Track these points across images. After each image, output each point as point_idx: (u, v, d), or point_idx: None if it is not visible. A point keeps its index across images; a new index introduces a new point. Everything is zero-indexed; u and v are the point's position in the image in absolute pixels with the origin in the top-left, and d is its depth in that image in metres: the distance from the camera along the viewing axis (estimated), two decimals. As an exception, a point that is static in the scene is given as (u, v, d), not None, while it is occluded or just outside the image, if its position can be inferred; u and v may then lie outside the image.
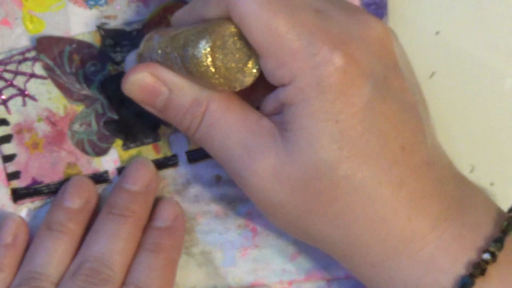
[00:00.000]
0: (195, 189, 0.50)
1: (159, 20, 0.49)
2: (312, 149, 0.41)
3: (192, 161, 0.50)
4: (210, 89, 0.43)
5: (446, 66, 0.49)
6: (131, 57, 0.46)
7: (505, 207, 0.48)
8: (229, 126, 0.43)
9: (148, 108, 0.45)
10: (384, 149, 0.42)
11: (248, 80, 0.43)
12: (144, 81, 0.44)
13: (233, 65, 0.42)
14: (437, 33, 0.49)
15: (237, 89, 0.43)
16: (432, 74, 0.49)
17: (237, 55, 0.42)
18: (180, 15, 0.45)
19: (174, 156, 0.50)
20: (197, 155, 0.50)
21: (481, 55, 0.49)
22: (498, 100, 0.49)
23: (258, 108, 0.45)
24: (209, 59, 0.42)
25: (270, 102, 0.43)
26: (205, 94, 0.43)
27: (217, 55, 0.42)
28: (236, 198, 0.50)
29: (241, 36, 0.42)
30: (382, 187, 0.42)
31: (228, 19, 0.42)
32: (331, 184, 0.42)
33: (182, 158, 0.50)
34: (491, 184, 0.49)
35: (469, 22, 0.49)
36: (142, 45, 0.45)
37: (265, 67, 0.42)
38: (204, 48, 0.42)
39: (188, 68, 0.43)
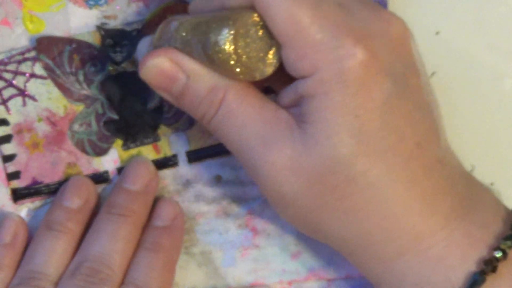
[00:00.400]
0: (195, 189, 0.50)
1: (159, 20, 0.49)
2: (330, 142, 0.41)
3: (192, 161, 0.50)
4: (230, 77, 0.43)
5: (446, 66, 0.49)
6: (145, 43, 0.46)
7: (505, 207, 0.48)
8: (245, 116, 0.43)
9: (164, 95, 0.45)
10: (400, 145, 0.42)
11: (269, 70, 0.43)
12: (162, 66, 0.43)
13: (255, 54, 0.42)
14: (437, 33, 0.49)
15: (257, 79, 0.43)
16: (432, 74, 0.49)
17: (259, 45, 0.42)
18: (200, 2, 0.45)
19: (174, 156, 0.50)
20: (197, 155, 0.50)
21: (481, 55, 0.49)
22: (498, 100, 0.49)
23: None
24: (232, 47, 0.42)
25: (288, 94, 0.43)
26: (223, 83, 0.43)
27: (239, 43, 0.42)
28: (236, 198, 0.50)
29: (263, 26, 0.42)
30: (396, 184, 0.42)
31: (251, 8, 0.42)
32: (347, 179, 0.42)
33: (182, 158, 0.50)
34: (491, 184, 0.49)
35: (469, 22, 0.49)
36: (158, 31, 0.45)
37: (286, 58, 0.42)
38: (226, 36, 0.42)
39: (209, 55, 0.42)
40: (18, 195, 0.50)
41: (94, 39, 0.50)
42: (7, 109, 0.50)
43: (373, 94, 0.41)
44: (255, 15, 0.42)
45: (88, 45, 0.49)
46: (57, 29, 0.49)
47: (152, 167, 0.49)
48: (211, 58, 0.42)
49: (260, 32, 0.42)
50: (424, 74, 0.44)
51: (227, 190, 0.50)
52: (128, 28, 0.49)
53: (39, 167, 0.50)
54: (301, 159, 0.42)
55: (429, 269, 0.42)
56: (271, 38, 0.42)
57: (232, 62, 0.42)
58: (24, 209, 0.50)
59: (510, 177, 0.49)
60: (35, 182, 0.50)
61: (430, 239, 0.42)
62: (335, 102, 0.41)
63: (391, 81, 0.41)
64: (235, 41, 0.42)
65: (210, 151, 0.50)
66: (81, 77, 0.50)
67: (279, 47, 0.42)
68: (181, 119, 0.50)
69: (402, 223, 0.42)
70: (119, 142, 0.50)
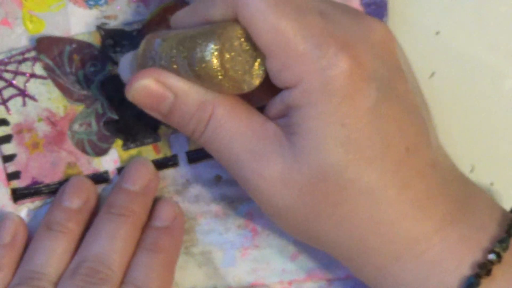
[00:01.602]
0: (195, 189, 0.50)
1: (159, 20, 0.49)
2: (319, 152, 0.41)
3: (192, 161, 0.50)
4: (218, 92, 0.43)
5: (446, 66, 0.49)
6: (127, 58, 0.46)
7: (505, 207, 0.48)
8: (234, 131, 0.43)
9: (153, 114, 0.45)
10: (389, 151, 0.42)
11: (255, 82, 0.43)
12: (148, 87, 0.44)
13: (240, 67, 0.42)
14: (437, 33, 0.49)
15: (245, 91, 0.43)
16: (432, 74, 0.49)
17: (244, 57, 0.42)
18: (181, 16, 0.45)
19: (174, 156, 0.50)
20: (197, 155, 0.50)
21: (481, 55, 0.49)
22: (498, 100, 0.49)
23: (262, 110, 0.45)
24: (218, 62, 0.42)
25: (275, 105, 0.43)
26: (211, 98, 0.43)
27: (225, 58, 0.42)
28: (236, 198, 0.50)
29: (247, 38, 0.42)
30: (388, 189, 0.42)
31: (235, 20, 0.42)
32: (338, 187, 0.42)
33: (182, 158, 0.50)
34: (491, 184, 0.49)
35: (469, 22, 0.49)
36: (141, 48, 0.45)
37: (271, 69, 0.42)
38: (212, 51, 0.42)
39: (196, 71, 0.42)
40: (18, 195, 0.50)
41: (94, 39, 0.49)
42: (7, 109, 0.50)
43: (359, 102, 0.41)
44: (239, 27, 0.42)
45: (88, 45, 0.49)
46: (57, 29, 0.49)
47: (152, 167, 0.49)
48: (198, 74, 0.42)
49: (245, 45, 0.42)
50: (411, 76, 0.44)
51: (227, 190, 0.50)
52: (128, 28, 0.49)
53: (39, 167, 0.50)
54: (291, 171, 0.42)
55: (425, 273, 0.42)
56: (256, 50, 0.42)
57: (219, 77, 0.42)
58: (24, 209, 0.50)
59: (510, 177, 0.49)
60: (35, 182, 0.50)
61: (424, 244, 0.42)
62: (321, 112, 0.41)
63: (376, 87, 0.41)
64: (221, 56, 0.42)
65: (210, 151, 0.50)
66: (81, 77, 0.50)
67: (264, 58, 0.42)
68: (181, 119, 0.50)
69: (396, 228, 0.42)
70: (119, 142, 0.50)
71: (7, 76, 0.50)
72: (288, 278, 0.50)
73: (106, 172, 0.50)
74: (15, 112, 0.50)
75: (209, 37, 0.42)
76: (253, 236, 0.50)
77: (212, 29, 0.42)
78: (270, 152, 0.43)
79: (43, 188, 0.50)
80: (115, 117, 0.50)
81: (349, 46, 0.41)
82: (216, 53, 0.42)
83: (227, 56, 0.42)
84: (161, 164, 0.50)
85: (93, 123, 0.50)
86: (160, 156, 0.50)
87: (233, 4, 0.42)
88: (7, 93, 0.50)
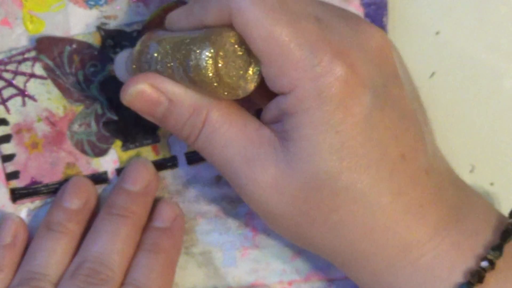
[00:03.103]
0: (195, 190, 0.50)
1: (159, 21, 0.49)
2: (312, 160, 0.41)
3: (191, 162, 0.50)
4: (213, 97, 0.43)
5: (446, 66, 0.49)
6: (121, 58, 0.46)
7: (505, 207, 0.48)
8: (229, 135, 0.43)
9: (148, 118, 0.45)
10: (383, 158, 0.42)
11: (250, 87, 0.43)
12: (143, 92, 0.44)
13: (235, 72, 0.42)
14: (437, 33, 0.49)
15: (240, 96, 0.43)
16: (432, 74, 0.49)
17: (238, 63, 0.42)
18: (176, 18, 0.45)
19: (173, 158, 0.50)
20: (197, 156, 0.50)
21: (481, 55, 0.49)
22: (498, 100, 0.49)
23: (258, 113, 0.45)
24: (213, 69, 0.42)
25: (270, 111, 0.43)
26: (205, 103, 0.43)
27: (220, 65, 0.42)
28: (236, 198, 0.50)
29: (241, 43, 0.42)
30: (381, 196, 0.42)
31: (229, 25, 0.42)
32: (331, 194, 0.42)
33: (182, 159, 0.50)
34: (491, 184, 0.49)
35: (469, 22, 0.49)
36: (136, 50, 0.45)
37: (266, 75, 0.42)
38: (207, 58, 0.42)
39: (191, 77, 0.42)
40: (17, 195, 0.50)
41: (94, 40, 0.49)
42: (7, 109, 0.50)
43: (353, 109, 0.41)
44: (233, 33, 0.42)
45: (88, 46, 0.49)
46: (57, 29, 0.49)
47: (152, 168, 0.49)
48: (193, 80, 0.42)
49: (238, 50, 0.42)
50: (408, 81, 0.44)
51: (227, 190, 0.50)
52: (128, 29, 0.49)
53: (38, 167, 0.50)
54: (285, 177, 0.42)
55: (417, 279, 0.42)
56: (250, 55, 0.42)
57: (215, 84, 0.42)
58: (24, 209, 0.50)
59: (510, 177, 0.49)
60: (34, 182, 0.50)
61: (418, 250, 0.42)
62: (315, 119, 0.41)
63: (371, 94, 0.41)
64: (215, 62, 0.42)
65: (209, 152, 0.50)
66: (81, 78, 0.50)
67: (258, 62, 0.42)
68: (181, 121, 0.50)
69: (389, 234, 0.42)
70: (118, 143, 0.50)
71: (7, 76, 0.49)
72: (288, 278, 0.50)
73: (105, 173, 0.50)
74: (15, 112, 0.50)
75: (204, 44, 0.42)
76: (253, 236, 0.50)
77: (206, 35, 0.42)
78: (264, 157, 0.43)
79: (42, 188, 0.50)
80: (115, 117, 0.50)
81: (344, 53, 0.41)
82: (210, 61, 0.42)
83: (222, 62, 0.42)
84: (160, 165, 0.50)
85: (93, 123, 0.50)
86: (159, 157, 0.50)
87: (228, 9, 0.42)
88: (6, 93, 0.50)
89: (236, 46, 0.42)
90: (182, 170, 0.50)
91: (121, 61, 0.46)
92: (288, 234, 0.45)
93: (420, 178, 0.42)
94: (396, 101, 0.42)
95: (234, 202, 0.50)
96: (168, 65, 0.43)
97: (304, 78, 0.41)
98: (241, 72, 0.42)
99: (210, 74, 0.42)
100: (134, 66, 0.45)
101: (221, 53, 0.42)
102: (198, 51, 0.42)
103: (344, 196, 0.42)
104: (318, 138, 0.41)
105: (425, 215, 0.42)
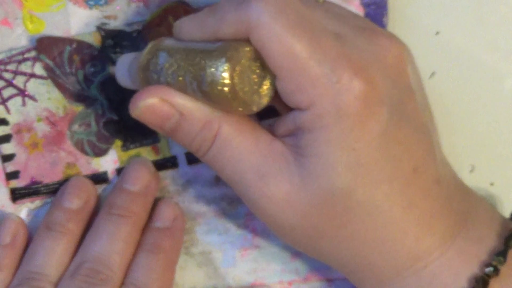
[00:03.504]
0: (195, 190, 0.50)
1: (160, 21, 0.49)
2: (328, 176, 0.41)
3: (191, 162, 0.50)
4: (226, 111, 0.43)
5: (446, 66, 0.49)
6: (124, 62, 0.46)
7: (505, 208, 0.48)
8: (240, 150, 0.43)
9: (157, 130, 0.44)
10: (397, 172, 0.42)
11: (264, 102, 0.42)
12: (154, 106, 0.43)
13: (249, 88, 0.42)
14: (437, 33, 0.49)
15: (254, 112, 0.42)
16: (432, 74, 0.49)
17: (253, 78, 0.42)
18: (187, 27, 0.44)
19: (173, 158, 0.50)
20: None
21: (481, 55, 0.49)
22: (498, 100, 0.49)
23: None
24: (229, 84, 0.41)
25: (284, 124, 0.43)
26: (217, 117, 0.43)
27: (235, 80, 0.41)
28: (236, 198, 0.50)
29: (256, 58, 0.41)
30: (394, 210, 0.42)
31: (245, 40, 0.41)
32: (345, 209, 0.42)
33: (182, 159, 0.50)
34: (491, 184, 0.49)
35: (469, 22, 0.49)
36: (144, 58, 0.44)
37: (282, 90, 0.41)
38: (223, 74, 0.41)
39: (206, 92, 0.42)
40: (17, 195, 0.50)
41: (94, 40, 0.49)
42: (7, 109, 0.50)
43: (370, 126, 0.41)
44: (249, 49, 0.41)
45: (88, 46, 0.49)
46: (57, 29, 0.49)
47: (152, 168, 0.49)
48: (207, 94, 0.42)
49: (253, 65, 0.42)
50: (421, 93, 0.44)
51: (227, 190, 0.50)
52: (128, 29, 0.49)
53: (38, 167, 0.50)
54: (298, 193, 0.42)
55: (424, 286, 0.42)
56: (264, 69, 0.42)
57: (230, 99, 0.41)
58: (24, 209, 0.50)
59: (510, 177, 0.49)
60: (34, 182, 0.50)
61: (425, 259, 0.42)
62: (332, 137, 0.41)
63: (388, 111, 0.41)
64: (232, 78, 0.41)
65: (210, 152, 0.50)
66: (81, 78, 0.50)
67: (273, 77, 0.42)
68: (181, 121, 0.50)
69: (399, 246, 0.42)
70: (118, 143, 0.50)
71: (7, 75, 0.50)
72: (288, 278, 0.50)
73: (105, 173, 0.50)
74: (15, 111, 0.50)
75: (220, 60, 0.41)
76: (253, 236, 0.50)
77: (222, 50, 0.41)
78: (277, 172, 0.42)
79: (42, 188, 0.50)
80: (115, 117, 0.50)
81: (363, 70, 0.41)
82: (227, 77, 0.41)
83: (238, 78, 0.41)
84: (160, 165, 0.50)
85: (93, 123, 0.50)
86: (159, 157, 0.50)
87: (245, 24, 0.41)
88: (6, 92, 0.50)
89: (251, 60, 0.41)
90: (182, 170, 0.50)
91: (123, 65, 0.46)
92: (298, 245, 0.45)
93: (431, 189, 0.42)
94: (411, 115, 0.42)
95: (234, 203, 0.50)
96: (180, 78, 0.42)
97: (323, 95, 0.40)
98: (256, 87, 0.42)
99: (226, 89, 0.41)
100: (141, 75, 0.44)
101: (237, 69, 0.41)
102: (214, 67, 0.41)
103: (357, 211, 0.42)
104: (335, 155, 0.41)
105: (434, 226, 0.42)
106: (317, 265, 0.50)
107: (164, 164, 0.50)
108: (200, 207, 0.50)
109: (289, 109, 0.42)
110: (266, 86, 0.42)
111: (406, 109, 0.42)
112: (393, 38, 0.43)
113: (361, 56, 0.41)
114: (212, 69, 0.41)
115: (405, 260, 0.42)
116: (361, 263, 0.43)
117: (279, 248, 0.50)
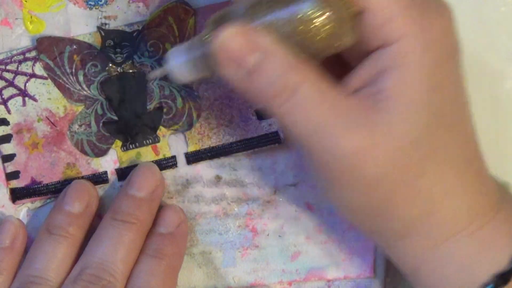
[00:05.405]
0: (195, 190, 0.50)
1: (160, 21, 0.49)
2: (410, 116, 0.40)
3: (191, 162, 0.50)
4: (313, 52, 0.41)
5: (446, 66, 0.49)
6: (177, 53, 0.43)
7: (505, 207, 0.48)
8: (319, 110, 0.41)
9: (229, 73, 0.41)
10: (462, 122, 0.42)
11: (351, 40, 0.41)
12: (237, 37, 0.40)
13: (338, 24, 0.40)
14: (437, 33, 0.49)
15: (339, 49, 0.41)
16: (432, 74, 0.49)
17: (342, 11, 0.40)
18: None
19: (173, 158, 0.50)
20: (196, 156, 0.50)
21: (481, 55, 0.49)
22: (498, 100, 0.49)
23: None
24: (322, 19, 0.40)
25: (363, 72, 0.42)
26: (301, 69, 0.41)
27: (328, 13, 0.40)
28: (236, 198, 0.50)
29: None
30: (459, 160, 0.42)
31: None
32: (424, 156, 0.41)
33: (181, 159, 0.50)
34: (491, 183, 0.49)
35: (469, 22, 0.49)
36: (212, 22, 0.42)
37: (369, 23, 0.41)
38: (315, 9, 0.40)
39: (297, 30, 0.40)
40: (17, 195, 0.50)
41: (95, 40, 0.50)
42: (7, 109, 0.50)
43: (451, 68, 0.41)
44: None
45: (89, 46, 0.49)
46: (57, 30, 0.49)
47: (158, 174, 0.49)
48: (298, 32, 0.40)
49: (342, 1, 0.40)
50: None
51: (227, 190, 0.50)
52: (128, 29, 0.49)
53: (38, 167, 0.50)
54: (381, 140, 0.40)
55: (477, 248, 0.42)
56: (351, 7, 0.40)
57: (317, 37, 0.40)
58: (24, 209, 0.50)
59: (510, 177, 0.49)
60: (34, 182, 0.50)
61: (481, 219, 0.42)
62: (416, 75, 0.40)
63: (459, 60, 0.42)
64: (323, 12, 0.40)
65: (209, 152, 0.50)
66: (81, 78, 0.50)
67: (358, 15, 0.41)
68: (181, 121, 0.50)
69: (459, 201, 0.42)
70: (118, 143, 0.50)
71: (7, 76, 0.50)
72: (288, 278, 0.50)
73: (105, 173, 0.50)
74: (15, 112, 0.50)
75: None
76: (253, 236, 0.50)
77: None
78: (355, 125, 0.41)
79: (42, 188, 0.50)
80: (115, 118, 0.50)
81: (446, 9, 0.41)
82: (318, 11, 0.40)
83: (328, 10, 0.40)
84: (160, 165, 0.50)
85: (93, 123, 0.50)
86: (159, 157, 0.50)
87: None
88: (7, 93, 0.50)
89: None
90: (182, 170, 0.50)
91: (179, 56, 0.43)
92: (370, 206, 0.43)
93: (480, 152, 0.44)
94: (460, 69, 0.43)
95: (234, 202, 0.50)
96: (265, 21, 0.41)
97: (414, 27, 0.40)
98: (345, 21, 0.40)
99: (316, 25, 0.40)
100: (211, 62, 0.42)
101: (325, 5, 0.40)
102: (305, 3, 0.40)
103: (434, 159, 0.41)
104: (421, 93, 0.40)
105: (489, 184, 0.43)
106: (317, 265, 0.50)
107: (163, 164, 0.50)
108: (200, 207, 0.50)
109: (360, 60, 0.42)
110: (350, 25, 0.41)
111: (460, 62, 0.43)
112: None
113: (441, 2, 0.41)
114: (303, 6, 0.40)
115: (463, 218, 0.42)
116: (422, 220, 0.42)
117: (279, 248, 0.50)
